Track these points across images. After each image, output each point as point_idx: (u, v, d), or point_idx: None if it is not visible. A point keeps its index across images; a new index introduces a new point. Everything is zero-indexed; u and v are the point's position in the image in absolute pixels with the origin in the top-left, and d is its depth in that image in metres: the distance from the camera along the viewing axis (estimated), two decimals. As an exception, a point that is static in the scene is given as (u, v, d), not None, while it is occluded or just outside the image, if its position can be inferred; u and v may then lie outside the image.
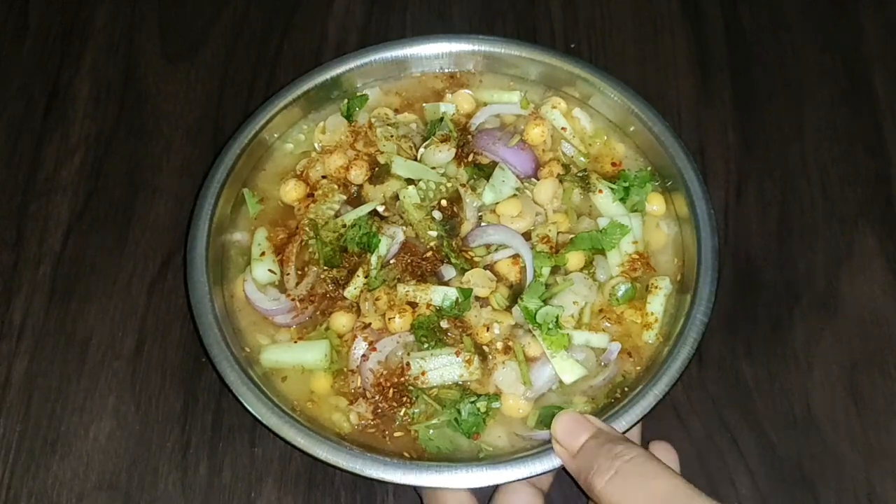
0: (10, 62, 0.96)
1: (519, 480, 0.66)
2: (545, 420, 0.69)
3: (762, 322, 0.81)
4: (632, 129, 0.82)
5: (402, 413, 0.71)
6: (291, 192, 0.81)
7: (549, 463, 0.65)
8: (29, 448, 0.76)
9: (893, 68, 0.95)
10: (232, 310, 0.76)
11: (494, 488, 0.69)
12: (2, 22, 0.99)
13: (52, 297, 0.83)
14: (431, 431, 0.70)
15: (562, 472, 0.66)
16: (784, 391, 0.78)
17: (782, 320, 0.81)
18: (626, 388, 0.71)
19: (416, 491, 0.73)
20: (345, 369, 0.73)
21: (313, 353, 0.73)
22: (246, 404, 0.68)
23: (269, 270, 0.77)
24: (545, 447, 0.67)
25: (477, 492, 0.68)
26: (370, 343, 0.72)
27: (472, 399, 0.70)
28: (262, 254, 0.77)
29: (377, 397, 0.71)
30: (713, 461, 0.75)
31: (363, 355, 0.72)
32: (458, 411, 0.70)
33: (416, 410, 0.71)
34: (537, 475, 0.66)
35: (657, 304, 0.74)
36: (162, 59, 0.97)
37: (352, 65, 0.85)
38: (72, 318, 0.82)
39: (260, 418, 0.68)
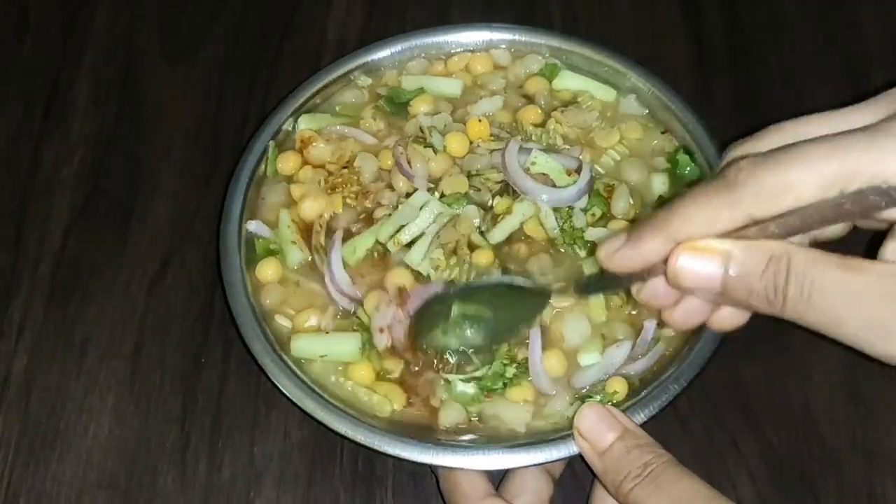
0: (9, 62, 0.97)
1: (534, 465, 0.67)
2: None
3: (761, 322, 0.80)
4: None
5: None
6: (289, 163, 0.82)
7: (567, 450, 0.66)
8: (28, 446, 0.76)
9: (893, 68, 0.95)
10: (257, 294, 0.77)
11: (505, 471, 0.70)
12: (1, 22, 1.00)
13: (51, 296, 0.83)
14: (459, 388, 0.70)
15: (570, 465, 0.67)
16: (784, 391, 0.78)
17: (781, 321, 0.81)
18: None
19: (431, 470, 0.74)
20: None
21: (348, 345, 0.73)
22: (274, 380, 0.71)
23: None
24: (560, 434, 0.67)
25: (491, 475, 0.69)
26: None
27: (505, 361, 0.71)
28: (293, 242, 0.78)
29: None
30: (712, 462, 0.75)
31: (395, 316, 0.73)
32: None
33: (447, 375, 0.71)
34: (553, 461, 0.66)
35: None
36: (162, 60, 0.97)
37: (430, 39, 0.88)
38: (71, 318, 0.82)
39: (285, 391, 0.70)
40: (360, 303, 0.75)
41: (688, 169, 0.81)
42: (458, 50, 0.88)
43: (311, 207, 0.79)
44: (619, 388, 0.71)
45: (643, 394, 0.70)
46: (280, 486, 0.74)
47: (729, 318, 0.55)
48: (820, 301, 0.47)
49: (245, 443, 0.76)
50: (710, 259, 0.49)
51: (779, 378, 0.79)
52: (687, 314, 0.55)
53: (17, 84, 0.95)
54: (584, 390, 0.71)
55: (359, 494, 0.74)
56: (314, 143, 0.83)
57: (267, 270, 0.77)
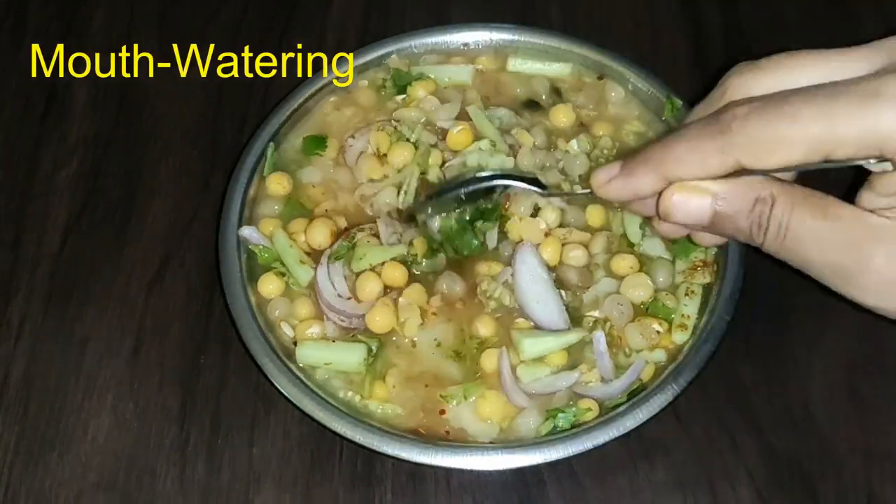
0: (8, 62, 0.97)
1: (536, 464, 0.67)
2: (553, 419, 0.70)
3: (761, 322, 0.81)
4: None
5: None
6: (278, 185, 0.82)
7: (567, 450, 0.67)
8: (27, 447, 0.76)
9: (893, 68, 0.95)
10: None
11: None
12: (0, 22, 1.00)
13: (50, 298, 0.83)
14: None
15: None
16: (783, 392, 0.78)
17: (781, 321, 0.81)
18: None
19: None
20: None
21: (353, 355, 0.73)
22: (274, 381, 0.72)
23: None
24: (562, 434, 0.68)
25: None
26: None
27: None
28: (302, 262, 0.78)
29: None
30: (712, 462, 0.75)
31: None
32: None
33: None
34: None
35: (693, 306, 0.75)
36: (161, 60, 0.97)
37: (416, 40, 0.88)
38: (70, 319, 0.82)
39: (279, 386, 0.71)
40: (353, 318, 0.75)
41: None
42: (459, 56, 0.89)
43: (320, 240, 0.79)
44: (591, 405, 0.71)
45: (643, 394, 0.70)
46: (279, 486, 0.74)
47: (710, 238, 0.59)
48: (792, 244, 0.51)
49: (244, 443, 0.76)
50: (700, 198, 0.53)
51: (779, 378, 0.78)
52: (673, 228, 0.59)
53: (15, 85, 0.95)
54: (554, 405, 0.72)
55: (358, 495, 0.74)
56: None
57: (268, 286, 0.77)
